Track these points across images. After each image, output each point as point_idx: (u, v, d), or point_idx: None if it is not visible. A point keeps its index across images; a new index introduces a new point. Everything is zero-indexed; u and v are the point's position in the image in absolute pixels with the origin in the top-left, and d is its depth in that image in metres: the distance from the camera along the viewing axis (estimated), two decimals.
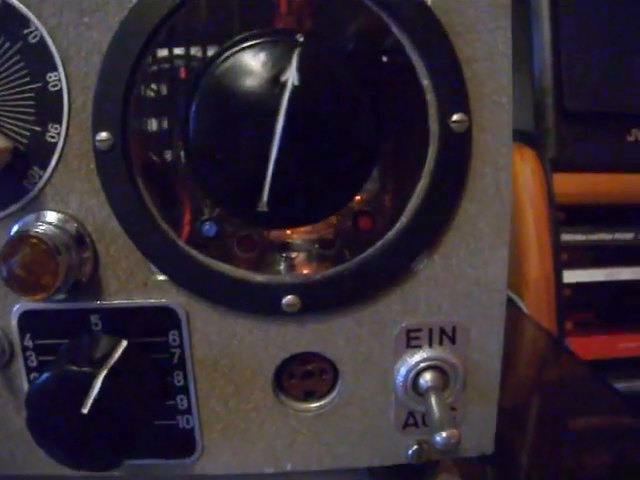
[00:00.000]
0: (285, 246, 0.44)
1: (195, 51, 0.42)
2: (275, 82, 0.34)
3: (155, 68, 0.41)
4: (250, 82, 0.35)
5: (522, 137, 1.05)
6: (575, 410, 0.68)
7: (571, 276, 1.06)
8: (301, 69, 0.34)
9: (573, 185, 1.05)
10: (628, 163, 1.06)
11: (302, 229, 0.44)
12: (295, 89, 0.34)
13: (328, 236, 0.44)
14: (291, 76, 0.34)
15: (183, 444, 0.45)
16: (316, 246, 0.44)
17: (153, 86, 0.42)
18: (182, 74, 0.43)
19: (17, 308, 0.42)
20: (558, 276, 1.03)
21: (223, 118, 0.36)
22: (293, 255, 0.44)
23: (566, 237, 1.06)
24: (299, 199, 0.37)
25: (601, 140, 1.05)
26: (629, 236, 1.09)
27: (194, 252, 0.40)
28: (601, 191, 1.05)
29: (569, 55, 1.02)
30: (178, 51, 0.42)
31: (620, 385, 0.83)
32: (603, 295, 1.10)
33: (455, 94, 0.38)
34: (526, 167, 1.02)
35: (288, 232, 0.44)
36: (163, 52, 0.42)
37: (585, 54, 1.02)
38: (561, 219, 1.05)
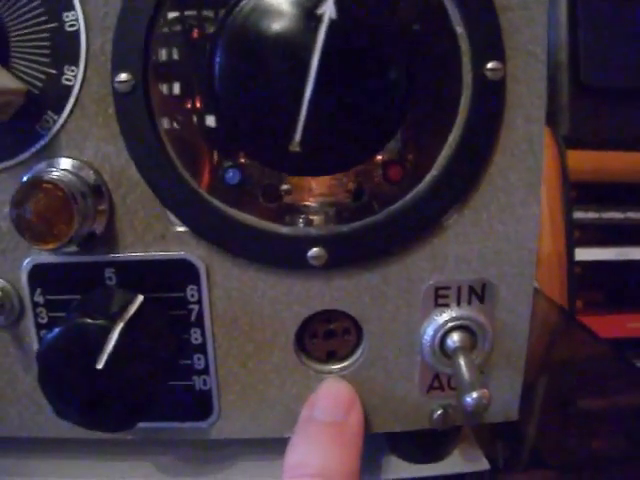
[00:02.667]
0: (302, 209, 0.42)
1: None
2: (310, 16, 0.32)
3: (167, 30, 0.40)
4: (283, 16, 0.33)
5: None
6: (588, 388, 0.67)
7: (582, 254, 1.05)
8: (339, 2, 0.32)
9: (587, 162, 1.04)
10: None
11: (317, 192, 0.42)
12: (332, 23, 0.32)
13: (345, 200, 0.42)
14: (328, 9, 0.32)
15: (199, 406, 0.43)
16: (333, 209, 0.42)
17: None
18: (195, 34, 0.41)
19: (27, 262, 0.40)
20: (570, 254, 1.02)
21: (253, 56, 0.34)
22: (311, 217, 0.42)
23: (578, 215, 1.05)
24: (333, 141, 0.35)
25: (616, 116, 1.04)
26: None
27: (216, 201, 0.39)
28: (615, 169, 1.04)
29: (586, 29, 1.01)
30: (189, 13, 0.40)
31: None
32: (613, 274, 1.09)
33: (490, 41, 0.37)
34: None
35: (303, 195, 0.42)
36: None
37: (603, 28, 1.01)
38: (573, 196, 1.03)
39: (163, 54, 0.38)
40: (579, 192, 1.05)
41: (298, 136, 0.33)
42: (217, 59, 0.34)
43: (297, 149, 0.34)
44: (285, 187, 0.41)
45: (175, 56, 0.38)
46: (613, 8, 1.01)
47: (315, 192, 0.42)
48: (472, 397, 0.37)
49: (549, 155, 1.01)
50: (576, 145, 1.03)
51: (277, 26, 0.33)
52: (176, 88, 0.39)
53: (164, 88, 0.38)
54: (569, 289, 1.02)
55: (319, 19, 0.32)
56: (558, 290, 1.01)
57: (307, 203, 0.42)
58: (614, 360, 0.74)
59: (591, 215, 1.06)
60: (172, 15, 0.37)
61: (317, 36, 0.32)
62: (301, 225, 0.41)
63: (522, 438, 0.55)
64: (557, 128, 1.02)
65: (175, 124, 0.39)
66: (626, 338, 1.07)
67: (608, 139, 1.04)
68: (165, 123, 0.38)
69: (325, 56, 0.32)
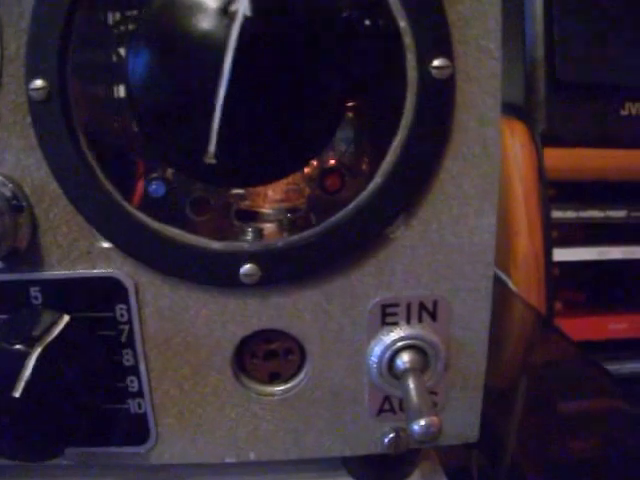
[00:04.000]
0: (254, 216, 0.40)
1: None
2: (223, 13, 0.30)
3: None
4: (193, 14, 0.30)
5: (512, 110, 1.03)
6: (564, 392, 0.66)
7: (561, 254, 1.05)
8: None
9: (564, 160, 1.03)
10: (622, 138, 1.04)
11: (273, 198, 0.40)
12: (246, 21, 0.29)
13: (301, 206, 0.40)
14: (242, 5, 0.29)
15: (135, 430, 0.42)
16: (288, 215, 0.40)
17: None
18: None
19: None
20: (548, 254, 1.01)
21: (163, 58, 0.31)
22: (261, 226, 0.40)
23: (556, 214, 1.05)
24: (251, 151, 0.33)
25: (594, 114, 1.04)
26: (621, 214, 1.08)
27: (142, 216, 0.37)
28: (593, 167, 1.04)
29: (562, 25, 1.01)
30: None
31: (610, 367, 0.84)
32: (593, 275, 1.09)
33: (437, 36, 0.35)
34: (516, 141, 1.00)
35: (258, 201, 0.40)
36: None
37: (579, 24, 1.00)
38: (551, 195, 1.03)
39: (82, 57, 0.35)
40: (557, 191, 1.04)
41: (212, 147, 0.31)
42: (130, 60, 0.32)
43: (212, 160, 0.31)
44: (238, 192, 0.40)
45: (95, 58, 0.36)
46: (589, 4, 1.00)
47: (270, 198, 0.40)
48: (419, 425, 0.35)
49: (525, 153, 1.01)
50: (553, 143, 1.02)
51: (188, 24, 0.30)
52: (96, 92, 0.37)
53: (83, 93, 0.36)
54: (547, 290, 1.01)
55: (232, 16, 0.29)
56: (536, 292, 1.00)
57: (263, 210, 0.40)
58: (584, 364, 0.74)
59: (570, 214, 1.06)
60: (89, 15, 0.35)
61: (230, 35, 0.29)
62: (250, 235, 0.39)
63: (500, 446, 0.55)
64: (533, 126, 1.02)
65: (97, 133, 0.36)
66: (607, 339, 1.07)
67: (586, 136, 1.03)
68: (86, 132, 0.36)
69: (239, 57, 0.30)
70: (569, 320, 1.04)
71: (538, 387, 0.69)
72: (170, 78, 0.31)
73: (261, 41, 0.30)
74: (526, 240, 0.99)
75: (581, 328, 1.04)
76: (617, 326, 1.08)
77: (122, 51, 0.36)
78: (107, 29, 0.35)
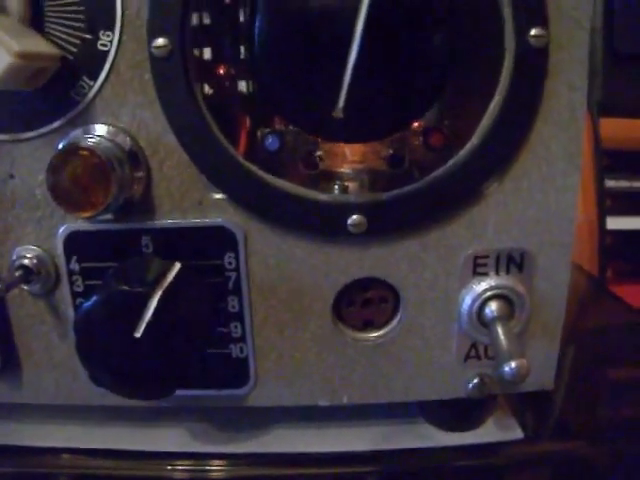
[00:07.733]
0: (337, 176, 0.42)
1: None
2: None
3: None
4: None
5: None
6: (619, 357, 0.66)
7: (613, 223, 1.04)
8: None
9: (619, 130, 1.02)
10: None
11: (351, 158, 0.42)
12: None
13: (380, 167, 0.42)
14: None
15: (236, 374, 0.44)
16: (368, 176, 0.42)
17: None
18: None
19: (63, 229, 0.41)
20: (602, 222, 1.01)
21: (295, 21, 0.33)
22: (346, 184, 0.42)
23: (610, 183, 1.04)
24: (375, 107, 0.35)
25: None
26: None
27: (254, 168, 0.39)
28: None
29: None
30: None
31: None
32: None
33: (534, 7, 0.36)
34: None
35: (337, 161, 0.42)
36: None
37: None
38: (605, 164, 1.02)
39: (197, 19, 0.37)
40: (611, 160, 1.03)
41: (341, 102, 0.33)
42: (257, 23, 0.34)
43: (340, 115, 0.33)
44: (319, 153, 0.41)
45: (208, 21, 0.38)
46: None
47: (349, 159, 0.42)
48: (511, 367, 0.36)
49: None
50: (608, 113, 1.02)
51: None
52: (211, 53, 0.39)
53: (200, 53, 0.38)
54: (600, 258, 1.01)
55: None
56: (589, 259, 1.00)
57: (342, 170, 0.42)
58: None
59: (623, 184, 1.06)
60: None
61: (361, 3, 0.32)
62: (336, 192, 0.41)
63: (549, 407, 0.55)
64: (590, 95, 1.01)
65: (211, 90, 0.38)
66: None
67: None
68: (201, 89, 0.38)
69: (369, 23, 0.32)
70: (619, 288, 1.03)
71: (589, 351, 0.68)
72: (302, 43, 0.34)
73: (388, 9, 0.33)
74: (581, 208, 0.99)
75: (630, 296, 1.03)
76: None
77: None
78: None
